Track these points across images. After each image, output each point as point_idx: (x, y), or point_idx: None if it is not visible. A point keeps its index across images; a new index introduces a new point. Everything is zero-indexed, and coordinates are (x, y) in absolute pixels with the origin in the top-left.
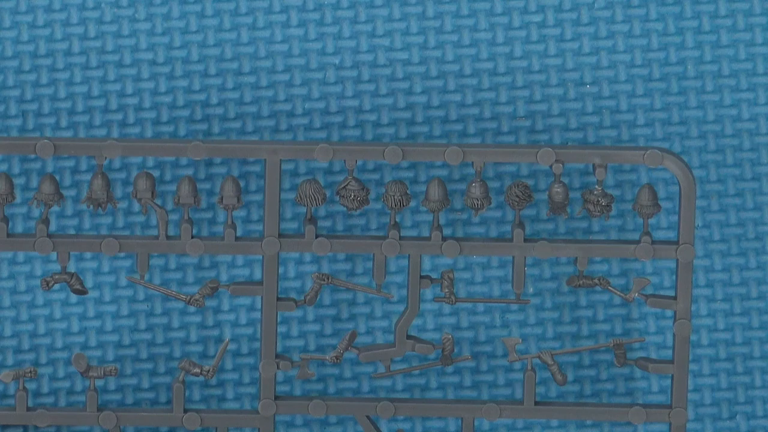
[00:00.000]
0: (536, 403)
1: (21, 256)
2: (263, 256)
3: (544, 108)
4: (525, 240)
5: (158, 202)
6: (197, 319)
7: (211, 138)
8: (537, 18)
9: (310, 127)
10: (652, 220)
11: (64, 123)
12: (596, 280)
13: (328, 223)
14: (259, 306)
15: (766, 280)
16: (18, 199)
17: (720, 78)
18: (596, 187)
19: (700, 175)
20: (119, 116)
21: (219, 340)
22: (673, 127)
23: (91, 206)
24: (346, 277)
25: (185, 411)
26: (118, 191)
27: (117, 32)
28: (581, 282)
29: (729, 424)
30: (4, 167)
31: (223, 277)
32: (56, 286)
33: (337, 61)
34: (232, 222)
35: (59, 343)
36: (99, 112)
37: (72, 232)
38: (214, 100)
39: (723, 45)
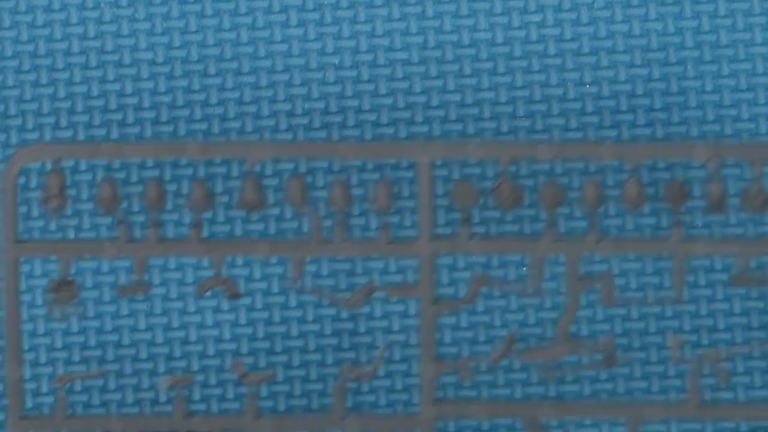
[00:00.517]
0: (701, 404)
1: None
2: (420, 258)
3: (543, 108)
4: (683, 239)
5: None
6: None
7: (212, 137)
8: (537, 18)
9: (310, 127)
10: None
11: (63, 123)
12: (759, 279)
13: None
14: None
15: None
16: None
17: (720, 78)
18: (755, 184)
19: (700, 175)
20: (119, 116)
21: (372, 346)
22: (673, 127)
23: (243, 209)
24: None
25: (345, 415)
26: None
27: (116, 32)
28: (747, 280)
29: (729, 424)
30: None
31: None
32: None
33: (336, 61)
34: (386, 225)
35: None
36: (99, 112)
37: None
38: (214, 100)
39: (723, 45)
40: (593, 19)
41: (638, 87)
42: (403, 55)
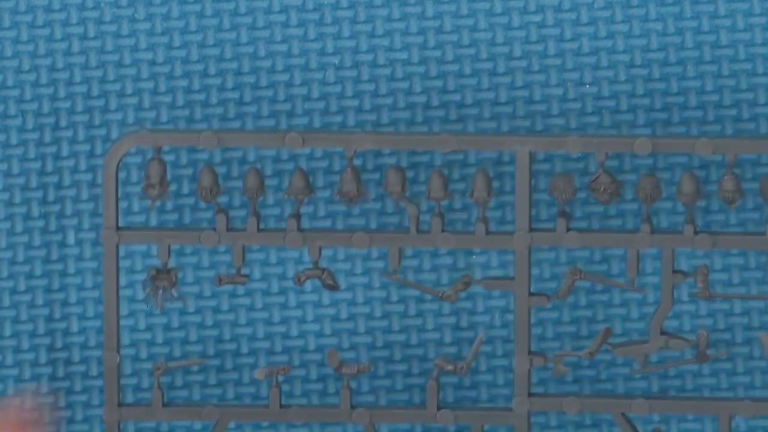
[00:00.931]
0: None
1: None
2: (515, 251)
3: (543, 108)
4: None
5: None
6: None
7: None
8: (537, 18)
9: (310, 127)
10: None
11: (63, 123)
12: None
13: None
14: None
15: (766, 280)
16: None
17: (720, 78)
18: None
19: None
20: (119, 116)
21: (472, 338)
22: (673, 127)
23: (343, 201)
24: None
25: (439, 408)
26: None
27: (117, 32)
28: None
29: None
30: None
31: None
32: (308, 286)
33: (336, 61)
34: (484, 216)
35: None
36: (98, 112)
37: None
38: (214, 100)
39: (723, 45)
40: (593, 19)
41: (638, 87)
42: (403, 55)
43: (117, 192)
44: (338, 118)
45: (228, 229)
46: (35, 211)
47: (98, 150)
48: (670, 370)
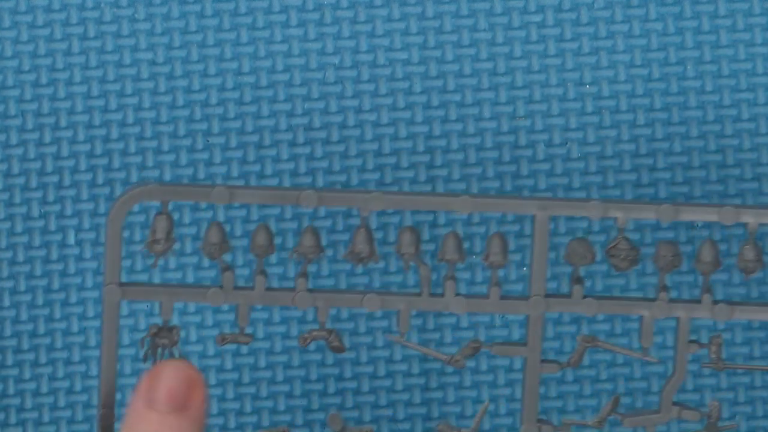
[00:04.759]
0: None
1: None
2: (528, 316)
3: (543, 108)
4: None
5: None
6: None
7: (212, 137)
8: (537, 18)
9: (309, 127)
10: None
11: (63, 123)
12: None
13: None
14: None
15: (766, 281)
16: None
17: (720, 78)
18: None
19: (700, 175)
20: (119, 116)
21: (477, 401)
22: (673, 127)
23: (353, 261)
24: (605, 337)
25: None
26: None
27: (117, 32)
28: None
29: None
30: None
31: (482, 335)
32: (312, 345)
33: (336, 61)
34: (497, 280)
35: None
36: (98, 111)
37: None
38: (214, 100)
39: (723, 45)
40: (593, 19)
41: (638, 87)
42: (403, 55)
43: (120, 245)
44: (338, 118)
45: (235, 288)
46: (35, 211)
47: (98, 150)
48: None
